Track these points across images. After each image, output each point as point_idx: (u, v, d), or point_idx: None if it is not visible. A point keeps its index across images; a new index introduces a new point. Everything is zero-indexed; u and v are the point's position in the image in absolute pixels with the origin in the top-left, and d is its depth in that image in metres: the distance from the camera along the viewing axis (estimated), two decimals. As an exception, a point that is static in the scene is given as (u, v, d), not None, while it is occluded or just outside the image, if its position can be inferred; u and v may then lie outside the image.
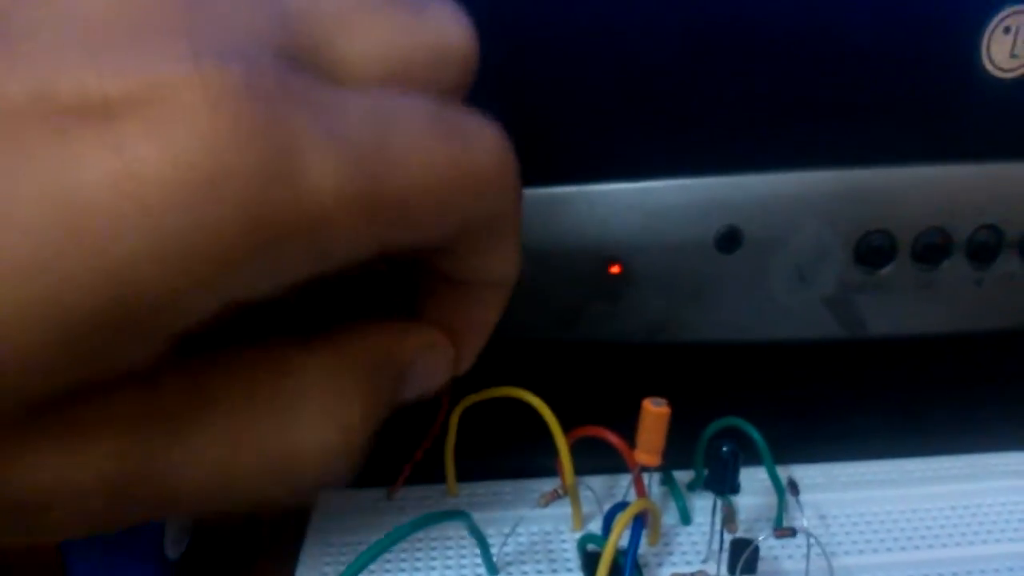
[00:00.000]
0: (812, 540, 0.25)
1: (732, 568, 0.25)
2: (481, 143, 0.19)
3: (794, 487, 0.28)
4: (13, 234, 0.13)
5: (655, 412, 0.26)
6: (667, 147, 0.32)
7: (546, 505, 0.28)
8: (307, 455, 0.18)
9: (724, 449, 0.26)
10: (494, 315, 0.23)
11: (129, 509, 0.17)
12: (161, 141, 0.14)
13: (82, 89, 0.14)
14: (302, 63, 0.17)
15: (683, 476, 0.32)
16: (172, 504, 0.17)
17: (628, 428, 0.27)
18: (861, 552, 0.28)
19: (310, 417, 0.18)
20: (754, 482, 0.30)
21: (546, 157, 0.32)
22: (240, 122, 0.14)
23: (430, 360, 0.22)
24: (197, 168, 0.14)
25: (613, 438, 0.28)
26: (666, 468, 0.31)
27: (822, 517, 0.29)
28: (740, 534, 0.27)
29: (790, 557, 0.28)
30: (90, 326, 0.14)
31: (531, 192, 0.32)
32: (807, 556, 0.26)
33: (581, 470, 0.29)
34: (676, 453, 0.29)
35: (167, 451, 0.16)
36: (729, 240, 0.32)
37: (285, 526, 0.31)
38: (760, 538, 0.25)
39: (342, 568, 0.27)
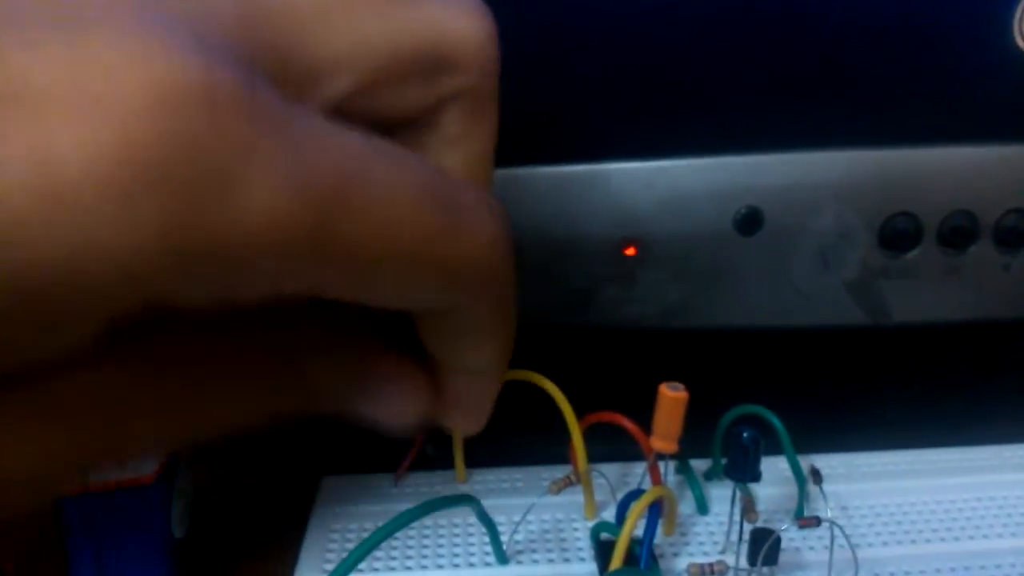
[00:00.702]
0: (837, 530, 0.24)
1: (752, 559, 0.24)
2: (473, 229, 0.17)
3: (816, 475, 0.27)
4: None
5: (672, 397, 0.25)
6: (686, 124, 0.31)
7: (558, 492, 0.27)
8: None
9: (745, 435, 0.25)
10: (476, 398, 0.22)
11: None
12: (84, 136, 0.13)
13: (6, 71, 0.13)
14: (271, 70, 0.15)
15: (700, 465, 0.31)
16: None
17: (644, 415, 0.26)
18: (885, 544, 0.27)
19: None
20: (773, 472, 0.29)
21: (560, 134, 0.31)
22: (177, 126, 0.13)
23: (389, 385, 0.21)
24: (118, 170, 0.13)
25: (628, 424, 0.27)
26: (682, 456, 0.30)
27: (844, 508, 0.28)
28: (760, 524, 0.26)
29: (811, 548, 0.27)
30: None
31: (544, 171, 0.31)
32: (831, 547, 0.25)
33: (595, 458, 0.29)
34: (692, 441, 0.28)
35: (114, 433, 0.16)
36: (749, 222, 0.31)
37: (290, 510, 0.30)
38: (783, 528, 0.24)
39: (345, 555, 0.26)
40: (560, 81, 0.30)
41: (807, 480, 0.28)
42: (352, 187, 0.15)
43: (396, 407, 0.21)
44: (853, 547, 0.25)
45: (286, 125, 0.14)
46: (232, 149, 0.14)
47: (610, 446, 0.29)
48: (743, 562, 0.25)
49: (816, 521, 0.24)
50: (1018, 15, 0.29)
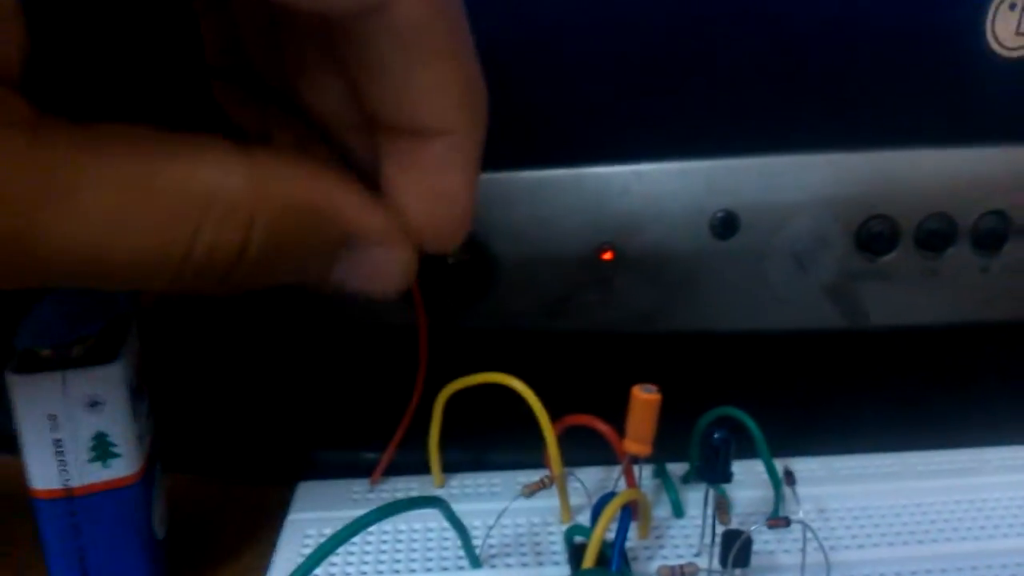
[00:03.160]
0: (807, 531, 0.24)
1: (724, 561, 0.24)
2: None
3: (790, 476, 0.27)
4: None
5: (644, 399, 0.25)
6: (662, 129, 0.31)
7: (530, 495, 0.27)
8: (194, 252, 0.17)
9: (716, 436, 0.25)
10: (454, 182, 0.19)
11: None
12: None
13: None
14: None
15: (678, 469, 0.30)
16: (34, 269, 0.16)
17: (622, 421, 0.26)
18: (861, 547, 0.27)
19: (211, 216, 0.17)
20: (751, 475, 0.29)
21: (535, 138, 0.31)
22: None
23: (378, 252, 0.19)
24: None
25: (601, 426, 0.27)
26: (659, 460, 0.30)
27: (821, 511, 0.28)
28: (733, 527, 0.25)
29: (786, 552, 0.27)
30: None
31: (519, 175, 0.31)
32: (803, 549, 0.25)
33: (574, 462, 0.28)
34: (670, 446, 0.28)
35: (37, 203, 0.15)
36: (725, 226, 0.31)
37: (266, 515, 0.30)
38: (752, 528, 0.24)
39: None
40: (536, 85, 0.30)
41: (782, 482, 0.27)
42: None
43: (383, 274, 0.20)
44: (825, 548, 0.25)
45: None
46: None
47: (588, 451, 0.29)
48: (716, 564, 0.25)
49: (786, 522, 0.24)
50: (991, 15, 0.29)
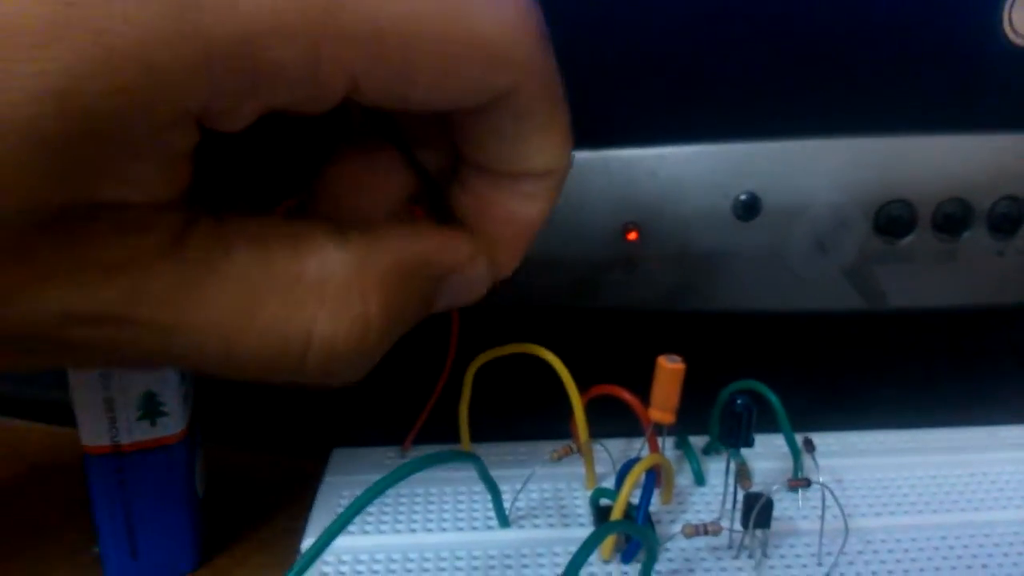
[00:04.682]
0: (827, 493, 0.25)
1: (745, 521, 0.25)
2: (510, 4, 0.17)
3: (810, 444, 0.28)
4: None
5: (669, 368, 0.26)
6: (686, 112, 0.32)
7: (558, 460, 0.28)
8: (315, 340, 0.18)
9: (738, 402, 0.26)
10: (538, 211, 0.21)
11: (127, 352, 0.17)
12: None
13: None
14: None
15: (699, 442, 0.31)
16: (170, 355, 0.18)
17: (646, 395, 0.26)
18: (878, 514, 0.28)
19: (326, 303, 0.18)
20: (770, 447, 0.30)
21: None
22: None
23: (470, 273, 0.21)
24: None
25: (627, 395, 0.28)
26: (681, 432, 0.31)
27: (839, 480, 0.29)
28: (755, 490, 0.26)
29: (805, 517, 0.27)
30: (48, 137, 0.14)
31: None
32: (822, 514, 0.26)
33: (598, 434, 0.29)
34: (691, 420, 0.29)
35: (176, 300, 0.17)
36: (748, 208, 0.32)
37: (299, 481, 0.31)
38: (774, 488, 0.25)
39: (352, 521, 0.27)
40: (562, 69, 0.31)
41: (801, 452, 0.28)
42: None
43: (478, 283, 0.22)
44: (845, 512, 0.25)
45: None
46: None
47: (613, 423, 0.30)
48: (737, 526, 0.26)
49: (807, 482, 0.25)
50: (1008, 5, 0.30)
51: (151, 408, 0.26)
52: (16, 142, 0.14)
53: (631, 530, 0.24)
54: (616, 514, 0.24)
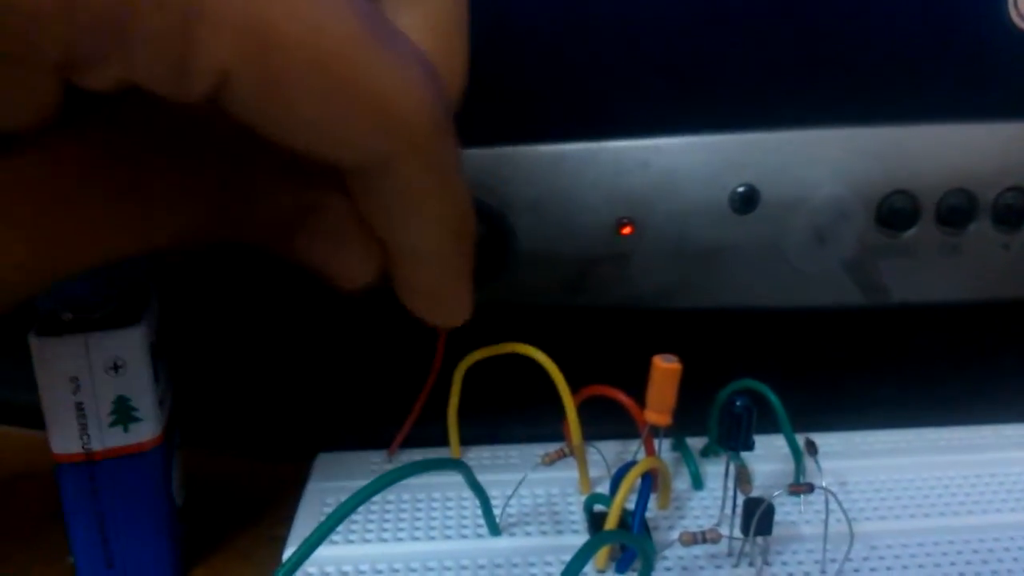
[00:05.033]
0: (830, 498, 0.24)
1: (745, 528, 0.24)
2: (405, 67, 0.16)
3: (812, 446, 0.27)
4: None
5: (665, 368, 0.25)
6: (681, 101, 0.31)
7: (550, 464, 0.27)
8: None
9: (738, 403, 0.25)
10: (432, 287, 0.21)
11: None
12: None
13: None
14: None
15: (696, 443, 0.30)
16: None
17: (641, 396, 0.25)
18: (883, 518, 0.27)
19: None
20: (770, 448, 0.29)
21: (554, 112, 0.31)
22: None
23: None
24: None
25: (622, 396, 0.27)
26: (678, 434, 0.30)
27: (842, 483, 0.28)
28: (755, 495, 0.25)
29: (808, 522, 0.26)
30: None
31: (537, 149, 0.31)
32: (826, 519, 0.25)
33: (591, 436, 0.28)
34: (688, 422, 0.28)
35: None
36: (745, 201, 0.31)
37: (283, 487, 0.30)
38: (775, 494, 0.24)
39: (335, 531, 0.26)
40: (554, 58, 0.30)
41: (803, 454, 0.27)
42: None
43: (346, 259, 0.20)
44: (849, 518, 0.24)
45: None
46: None
47: (607, 425, 0.29)
48: (737, 532, 0.25)
49: (809, 487, 0.24)
50: (1013, -9, 0.29)
51: (124, 413, 0.25)
52: None
53: (627, 540, 0.23)
54: (611, 522, 0.23)
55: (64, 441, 0.25)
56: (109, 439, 0.25)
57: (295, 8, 0.15)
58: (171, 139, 0.18)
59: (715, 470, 0.29)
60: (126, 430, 0.25)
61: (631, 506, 0.25)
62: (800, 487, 0.24)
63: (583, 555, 0.20)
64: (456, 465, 0.23)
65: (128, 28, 0.14)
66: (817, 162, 0.31)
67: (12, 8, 0.13)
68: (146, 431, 0.25)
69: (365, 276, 0.21)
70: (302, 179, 0.20)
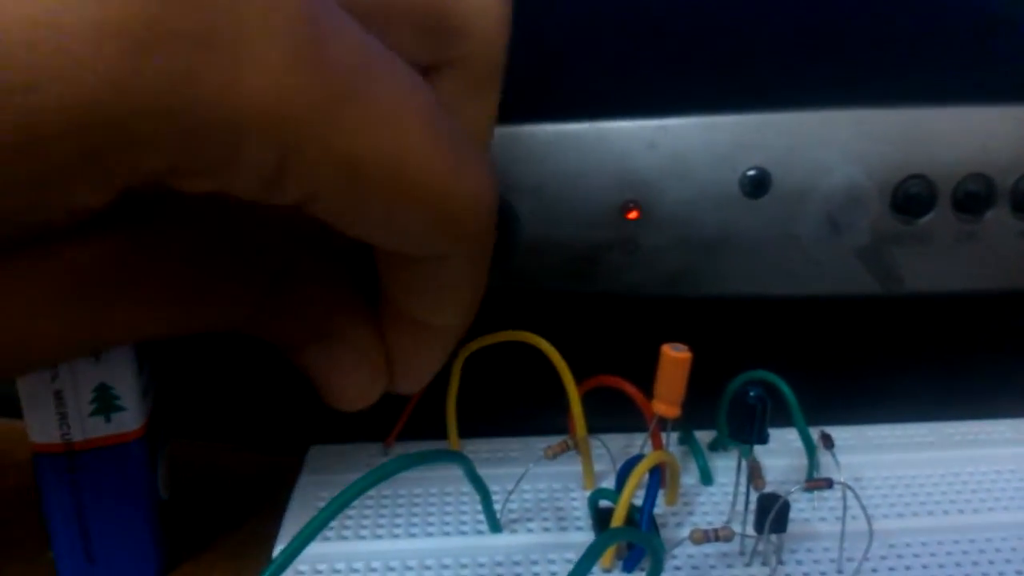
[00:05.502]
0: (850, 495, 0.23)
1: (759, 526, 0.23)
2: (472, 174, 0.17)
3: (828, 439, 0.26)
4: None
5: (675, 357, 0.24)
6: (691, 81, 0.30)
7: (553, 457, 0.25)
8: None
9: (751, 394, 0.23)
10: (429, 359, 0.22)
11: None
12: None
13: None
14: None
15: (705, 437, 0.29)
16: None
17: (648, 387, 0.24)
18: (900, 516, 0.26)
19: None
20: (782, 443, 0.28)
21: (558, 89, 0.29)
22: None
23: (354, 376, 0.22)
24: (114, 11, 0.13)
25: (629, 387, 0.26)
26: (686, 427, 0.29)
27: (857, 479, 0.27)
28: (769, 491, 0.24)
29: (823, 520, 0.25)
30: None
31: (541, 128, 0.29)
32: (843, 516, 0.23)
33: (596, 429, 0.27)
34: (697, 415, 0.27)
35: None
36: (757, 184, 0.30)
37: (275, 480, 0.28)
38: (791, 490, 0.22)
39: (330, 526, 0.25)
40: (559, 34, 0.29)
41: (817, 448, 0.26)
42: (367, 82, 0.15)
43: (351, 375, 0.22)
44: (869, 514, 0.23)
45: (303, 3, 0.14)
46: (247, 8, 0.14)
47: (612, 418, 0.28)
48: (750, 530, 0.24)
49: (827, 483, 0.23)
50: (1037, -33, 0.28)
51: (105, 402, 0.24)
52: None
53: (636, 538, 0.22)
54: (618, 519, 0.22)
55: (43, 430, 0.24)
56: (90, 429, 0.24)
57: (381, 142, 0.15)
58: (229, 241, 0.20)
59: (724, 465, 0.28)
60: (108, 420, 0.24)
61: (638, 502, 0.24)
62: (818, 482, 0.23)
63: (590, 556, 0.19)
64: (456, 457, 0.22)
65: (236, 155, 0.15)
66: (831, 145, 0.30)
67: (127, 128, 0.14)
68: (129, 421, 0.24)
69: (365, 400, 0.23)
70: (334, 303, 0.22)
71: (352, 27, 0.15)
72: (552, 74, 0.29)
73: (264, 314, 0.21)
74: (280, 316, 0.21)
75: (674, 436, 0.29)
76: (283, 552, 0.17)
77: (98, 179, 0.14)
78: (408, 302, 0.21)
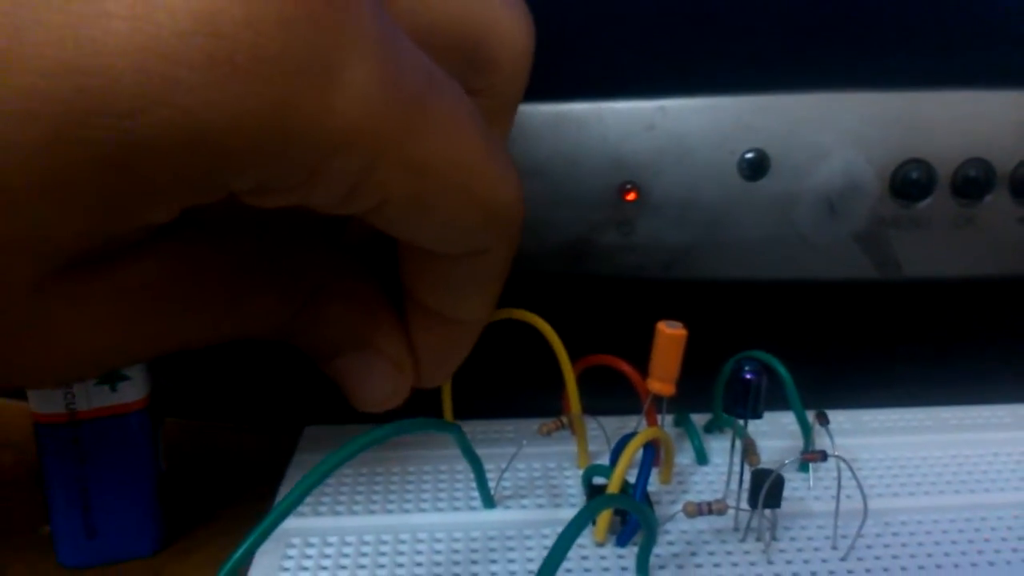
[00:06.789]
0: (845, 470, 0.23)
1: (753, 501, 0.23)
2: (511, 178, 0.19)
3: (823, 417, 0.26)
4: (23, 76, 0.13)
5: (670, 334, 0.24)
6: (689, 62, 0.29)
7: (548, 434, 0.25)
8: None
9: (747, 368, 0.23)
10: (453, 351, 0.23)
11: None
12: (192, 4, 0.13)
13: None
14: None
15: (700, 419, 0.29)
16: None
17: (642, 370, 0.24)
18: (895, 495, 0.26)
19: None
20: (778, 426, 0.28)
21: (555, 69, 0.29)
22: (279, 7, 0.13)
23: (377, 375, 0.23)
24: (225, 42, 0.13)
25: (624, 366, 0.26)
26: (681, 408, 0.29)
27: (853, 460, 0.27)
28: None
29: (817, 498, 0.25)
30: (93, 176, 0.14)
31: (539, 108, 0.29)
32: (837, 492, 0.23)
33: (591, 410, 0.27)
34: (692, 397, 0.27)
35: None
36: (755, 167, 0.30)
37: (270, 459, 0.28)
38: (786, 462, 0.22)
39: (322, 498, 0.25)
40: (557, 13, 0.29)
41: (812, 429, 0.26)
42: (432, 94, 0.16)
43: (382, 383, 0.23)
44: (864, 491, 0.23)
45: (383, 26, 0.15)
46: (338, 36, 0.14)
47: (608, 399, 0.28)
48: (744, 506, 0.23)
49: (823, 455, 0.23)
50: (1036, -50, 0.28)
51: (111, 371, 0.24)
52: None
53: (627, 505, 0.22)
54: (611, 491, 0.22)
55: (47, 401, 0.24)
56: (96, 398, 0.24)
57: (447, 148, 0.17)
58: (271, 254, 0.21)
59: (719, 445, 0.28)
60: (113, 389, 0.24)
61: (632, 480, 0.24)
62: (813, 455, 0.23)
63: (579, 521, 0.18)
64: (448, 427, 0.22)
65: (324, 169, 0.15)
66: (830, 128, 0.29)
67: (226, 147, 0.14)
68: (134, 391, 0.24)
69: (394, 403, 0.23)
70: (367, 315, 0.22)
71: (413, 45, 0.16)
72: (551, 54, 0.29)
73: (300, 324, 0.22)
74: (315, 327, 0.22)
75: (669, 418, 0.29)
76: (270, 513, 0.17)
77: (185, 197, 0.15)
78: (441, 300, 0.21)
